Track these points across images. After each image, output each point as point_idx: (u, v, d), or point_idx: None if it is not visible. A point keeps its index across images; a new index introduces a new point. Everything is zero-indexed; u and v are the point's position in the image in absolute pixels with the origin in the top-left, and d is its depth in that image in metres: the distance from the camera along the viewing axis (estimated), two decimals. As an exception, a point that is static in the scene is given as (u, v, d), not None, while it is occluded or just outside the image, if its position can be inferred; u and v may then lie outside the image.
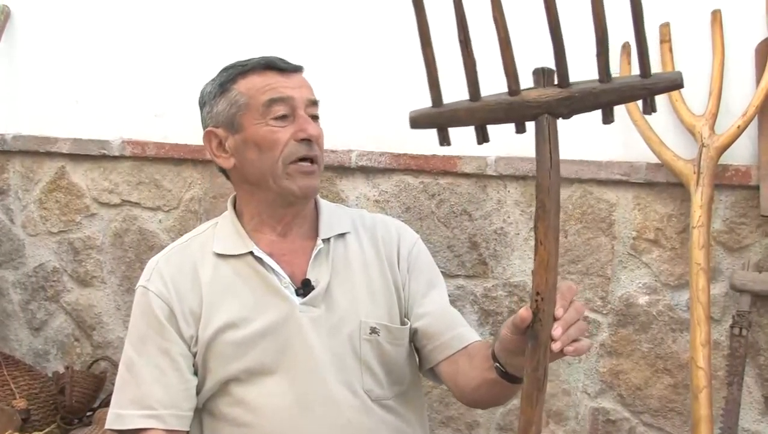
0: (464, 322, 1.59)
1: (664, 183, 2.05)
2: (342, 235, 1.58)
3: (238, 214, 1.58)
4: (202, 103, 1.56)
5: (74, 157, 2.78)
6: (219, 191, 2.56)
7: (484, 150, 2.16)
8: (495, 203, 2.24)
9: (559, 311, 1.09)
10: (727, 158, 1.96)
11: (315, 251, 1.53)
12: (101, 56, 2.73)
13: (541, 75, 1.05)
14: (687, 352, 2.02)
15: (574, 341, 1.11)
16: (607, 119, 1.05)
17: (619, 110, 1.96)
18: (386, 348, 1.53)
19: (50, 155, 2.82)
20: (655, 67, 1.99)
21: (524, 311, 1.08)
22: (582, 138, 2.07)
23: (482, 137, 1.10)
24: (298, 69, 1.53)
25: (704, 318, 1.88)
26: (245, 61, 1.53)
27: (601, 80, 1.03)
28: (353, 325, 1.51)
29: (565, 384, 2.22)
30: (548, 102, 1.04)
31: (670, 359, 2.09)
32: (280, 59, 1.52)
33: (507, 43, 1.04)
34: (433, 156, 2.27)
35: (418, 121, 1.11)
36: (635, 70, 1.07)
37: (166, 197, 2.66)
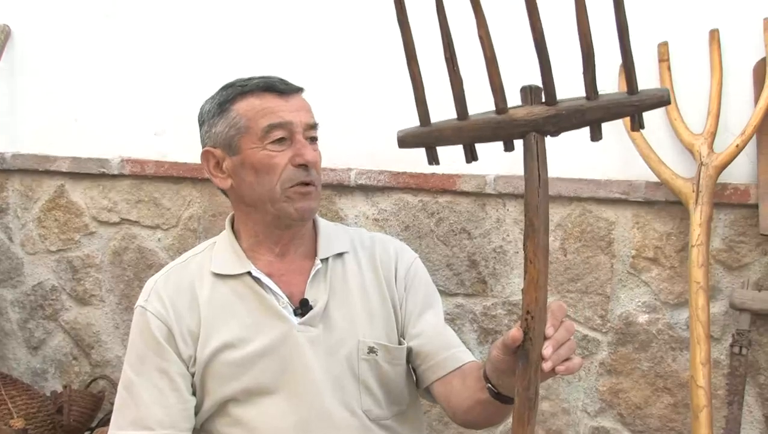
0: (459, 342, 1.58)
1: (663, 202, 2.05)
2: (340, 255, 1.58)
3: (236, 234, 1.57)
4: (201, 122, 1.56)
5: (73, 175, 2.78)
6: (218, 210, 2.56)
7: (483, 169, 2.18)
8: (494, 221, 2.24)
9: (549, 330, 1.08)
10: (725, 177, 1.96)
11: (313, 271, 1.52)
12: (100, 75, 2.73)
13: (528, 93, 1.05)
14: (687, 371, 2.01)
15: (566, 360, 1.11)
16: (595, 136, 1.05)
17: (618, 129, 2.01)
18: (384, 368, 1.52)
19: (49, 173, 2.82)
20: (655, 86, 2.01)
21: (515, 331, 1.08)
22: (581, 157, 2.08)
23: (471, 156, 1.10)
24: (298, 90, 1.52)
25: (704, 337, 1.88)
26: (245, 80, 1.52)
27: (588, 97, 1.03)
28: (351, 345, 1.51)
29: (565, 403, 2.21)
30: (535, 120, 1.04)
31: (670, 378, 2.09)
32: (281, 80, 1.51)
33: (493, 61, 1.04)
34: (432, 174, 2.27)
35: (405, 140, 1.12)
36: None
37: (165, 215, 2.66)
